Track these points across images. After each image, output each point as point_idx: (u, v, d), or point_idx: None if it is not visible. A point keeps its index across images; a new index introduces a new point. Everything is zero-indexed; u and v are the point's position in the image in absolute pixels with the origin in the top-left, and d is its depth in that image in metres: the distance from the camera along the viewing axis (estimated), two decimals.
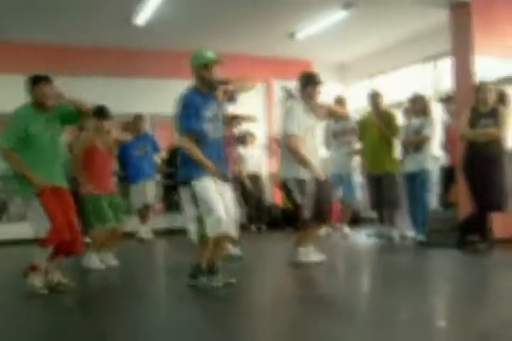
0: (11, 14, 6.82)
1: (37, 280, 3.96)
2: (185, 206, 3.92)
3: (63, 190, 4.14)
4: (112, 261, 5.25)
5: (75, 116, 4.11)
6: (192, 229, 3.88)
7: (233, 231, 3.93)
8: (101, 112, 5.10)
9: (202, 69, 3.83)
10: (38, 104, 4.08)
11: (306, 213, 4.77)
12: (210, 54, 3.86)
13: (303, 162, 4.75)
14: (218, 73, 3.87)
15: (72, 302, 3.97)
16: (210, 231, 3.76)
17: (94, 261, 5.12)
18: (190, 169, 3.83)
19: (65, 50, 8.13)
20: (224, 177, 3.88)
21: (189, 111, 3.79)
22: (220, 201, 3.80)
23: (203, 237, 3.83)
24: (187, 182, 3.83)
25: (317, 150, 5.04)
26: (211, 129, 3.83)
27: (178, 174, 3.98)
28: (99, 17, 7.09)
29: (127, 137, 5.93)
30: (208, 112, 3.81)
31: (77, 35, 7.77)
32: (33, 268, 3.97)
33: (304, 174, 4.77)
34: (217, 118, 3.88)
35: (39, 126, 4.04)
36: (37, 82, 4.06)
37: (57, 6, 6.63)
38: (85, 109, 4.07)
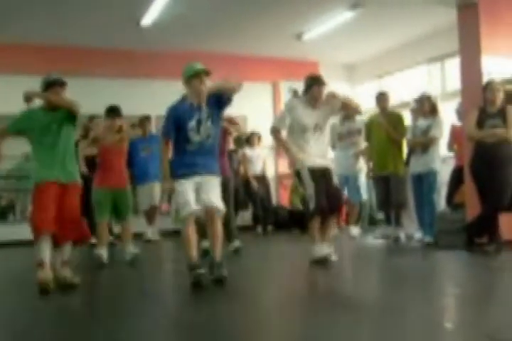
0: (14, 14, 6.83)
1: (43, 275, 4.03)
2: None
3: (68, 186, 4.27)
4: (134, 250, 5.54)
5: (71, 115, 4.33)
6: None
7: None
8: (112, 111, 5.48)
9: (192, 79, 4.18)
10: (47, 105, 4.31)
11: (310, 204, 4.88)
12: (199, 66, 4.23)
13: (286, 151, 5.08)
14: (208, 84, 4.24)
15: (78, 302, 3.97)
16: (182, 213, 4.16)
17: (99, 254, 5.42)
18: (173, 169, 4.29)
19: (69, 51, 8.17)
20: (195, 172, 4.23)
21: (168, 121, 4.28)
22: (191, 192, 4.18)
23: (179, 222, 4.25)
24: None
25: (321, 149, 5.06)
26: (195, 136, 4.23)
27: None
28: (106, 18, 7.11)
29: (137, 133, 6.03)
30: (192, 122, 4.21)
31: (81, 36, 7.79)
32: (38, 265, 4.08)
33: (300, 165, 4.94)
34: (204, 127, 4.24)
35: (42, 123, 4.24)
36: (52, 85, 4.29)
37: (62, 7, 6.65)
38: (72, 110, 4.26)
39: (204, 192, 4.21)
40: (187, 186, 4.20)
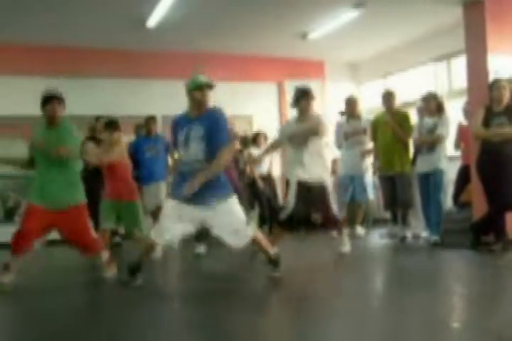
0: (19, 16, 6.85)
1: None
2: None
3: (67, 210, 4.38)
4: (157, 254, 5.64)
5: None
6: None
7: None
8: (111, 125, 5.53)
9: (195, 91, 4.06)
10: (48, 120, 4.41)
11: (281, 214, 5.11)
12: (202, 78, 4.11)
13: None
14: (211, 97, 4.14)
15: (78, 302, 3.98)
16: (152, 236, 4.16)
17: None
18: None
19: (73, 52, 8.17)
20: (188, 199, 3.99)
21: (171, 135, 4.28)
22: (173, 218, 4.01)
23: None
24: None
25: (306, 159, 5.08)
26: (183, 151, 4.12)
27: None
28: (111, 20, 7.12)
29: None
30: (180, 136, 4.10)
31: (86, 38, 7.78)
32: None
33: (289, 175, 5.15)
34: (193, 144, 4.04)
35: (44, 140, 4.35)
36: (49, 100, 4.33)
37: (68, 8, 6.67)
38: (55, 155, 4.31)
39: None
40: (171, 210, 4.04)
